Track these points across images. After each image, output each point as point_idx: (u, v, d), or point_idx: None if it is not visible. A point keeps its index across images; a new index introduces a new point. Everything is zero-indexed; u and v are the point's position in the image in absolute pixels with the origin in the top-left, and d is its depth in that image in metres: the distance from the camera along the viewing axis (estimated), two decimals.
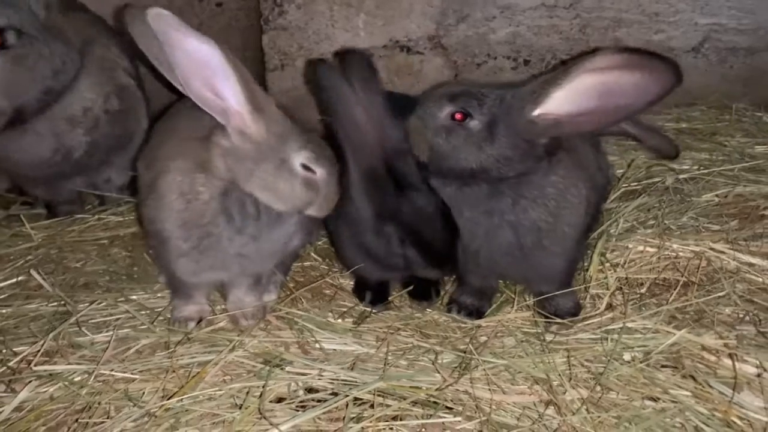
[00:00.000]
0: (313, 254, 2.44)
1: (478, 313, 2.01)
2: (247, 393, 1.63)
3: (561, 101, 1.65)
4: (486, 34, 3.45)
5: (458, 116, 1.76)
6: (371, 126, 1.80)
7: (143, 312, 2.04)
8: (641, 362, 1.71)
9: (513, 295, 2.12)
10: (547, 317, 1.94)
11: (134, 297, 2.15)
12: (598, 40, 3.43)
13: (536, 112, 1.69)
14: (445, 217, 1.83)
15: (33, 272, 2.19)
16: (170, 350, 1.82)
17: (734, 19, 3.39)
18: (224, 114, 1.67)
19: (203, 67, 1.60)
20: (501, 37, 3.45)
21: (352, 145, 1.83)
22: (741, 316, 1.88)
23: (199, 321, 1.95)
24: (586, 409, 1.56)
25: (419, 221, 1.80)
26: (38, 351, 1.81)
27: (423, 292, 2.13)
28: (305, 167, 1.75)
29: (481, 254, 1.86)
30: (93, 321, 2.00)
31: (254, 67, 3.61)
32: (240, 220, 1.76)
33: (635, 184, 2.56)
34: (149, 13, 1.53)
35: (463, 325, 1.99)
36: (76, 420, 1.61)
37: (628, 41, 3.43)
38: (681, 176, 2.54)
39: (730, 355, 1.70)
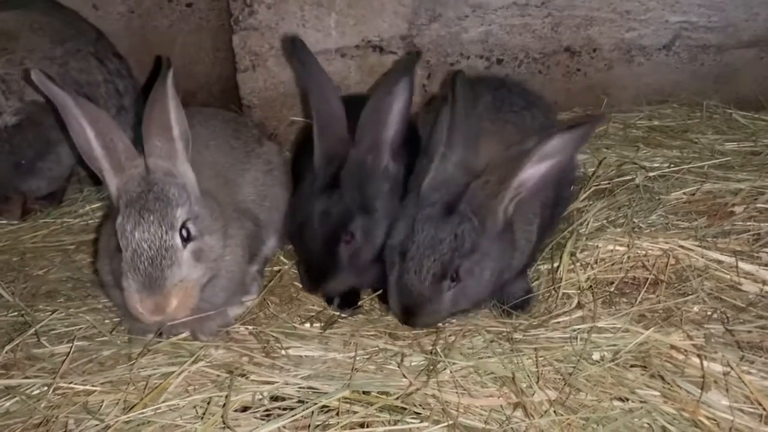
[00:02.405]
0: (282, 258, 2.41)
1: None
2: (209, 403, 1.59)
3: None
4: (458, 34, 3.43)
5: None
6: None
7: (106, 321, 1.99)
8: (610, 362, 1.70)
9: None
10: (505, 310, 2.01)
11: (98, 305, 2.10)
12: (570, 38, 3.43)
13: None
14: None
15: None
16: (132, 362, 1.77)
17: (704, 16, 3.40)
18: None
19: None
20: (473, 36, 3.43)
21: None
22: (709, 313, 1.88)
23: (159, 332, 1.88)
24: (554, 411, 1.55)
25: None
26: None
27: None
28: None
29: None
30: (54, 332, 1.94)
31: (225, 67, 3.57)
32: None
33: (606, 182, 2.55)
34: None
35: None
36: None
37: (600, 39, 3.43)
38: (651, 174, 2.54)
39: (699, 355, 1.69)
